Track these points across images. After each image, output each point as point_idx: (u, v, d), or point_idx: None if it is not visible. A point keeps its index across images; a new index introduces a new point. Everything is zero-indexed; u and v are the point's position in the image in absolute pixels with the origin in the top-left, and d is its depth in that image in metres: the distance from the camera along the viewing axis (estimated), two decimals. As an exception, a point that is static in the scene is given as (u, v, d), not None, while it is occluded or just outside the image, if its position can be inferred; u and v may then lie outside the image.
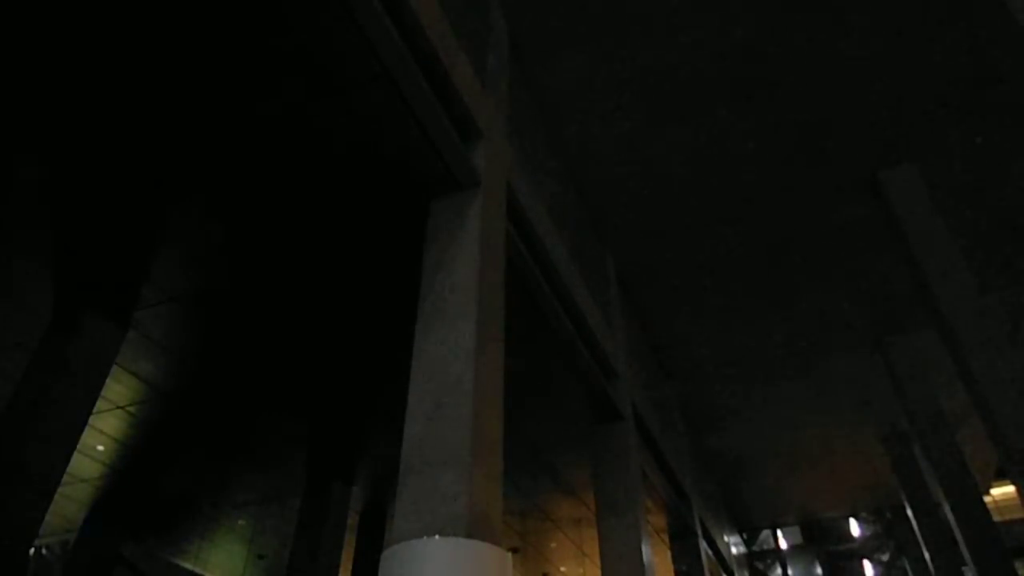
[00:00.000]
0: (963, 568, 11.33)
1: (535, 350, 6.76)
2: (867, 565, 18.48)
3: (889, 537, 17.54)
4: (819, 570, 18.98)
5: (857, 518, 18.53)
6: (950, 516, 9.69)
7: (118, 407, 8.54)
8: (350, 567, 11.36)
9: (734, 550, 16.39)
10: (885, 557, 18.01)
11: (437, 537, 3.03)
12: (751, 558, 19.13)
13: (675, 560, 10.83)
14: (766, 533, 19.36)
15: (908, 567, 16.53)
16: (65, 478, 6.54)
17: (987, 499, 17.16)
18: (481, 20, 5.90)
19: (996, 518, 12.05)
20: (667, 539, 11.07)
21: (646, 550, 6.78)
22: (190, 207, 5.72)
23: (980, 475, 14.31)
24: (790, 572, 19.07)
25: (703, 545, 11.10)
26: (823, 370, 11.83)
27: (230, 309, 6.95)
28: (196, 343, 7.46)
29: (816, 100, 7.48)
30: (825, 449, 14.36)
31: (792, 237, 9.16)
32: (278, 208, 5.62)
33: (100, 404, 8.23)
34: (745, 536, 19.10)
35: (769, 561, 19.28)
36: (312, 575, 8.46)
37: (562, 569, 14.52)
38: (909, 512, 13.53)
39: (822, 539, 19.14)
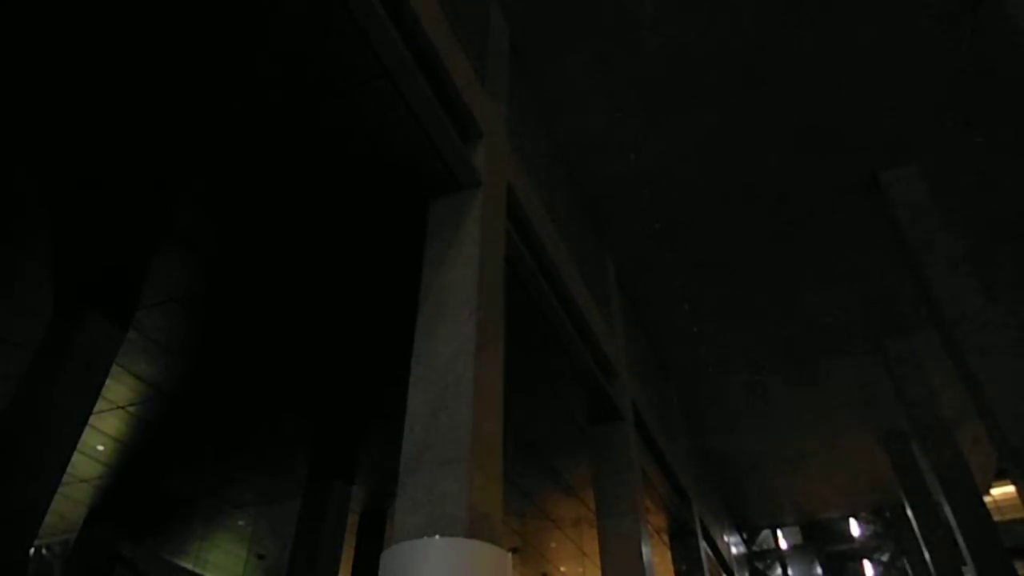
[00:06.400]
0: (963, 568, 11.33)
1: (535, 350, 6.76)
2: (867, 565, 18.48)
3: (889, 537, 17.53)
4: (819, 570, 18.97)
5: (857, 518, 18.52)
6: (950, 516, 9.69)
7: (118, 407, 8.54)
8: (350, 567, 11.35)
9: (734, 550, 16.39)
10: (885, 557, 18.01)
11: (437, 537, 3.03)
12: (751, 558, 19.12)
13: (675, 560, 10.83)
14: (766, 533, 19.35)
15: (908, 567, 16.52)
16: (65, 478, 6.53)
17: (987, 499, 17.16)
18: (481, 20, 5.90)
19: (996, 518, 12.05)
20: (667, 539, 11.07)
21: (646, 550, 6.78)
22: (190, 207, 5.72)
23: (980, 475, 14.29)
24: (790, 572, 19.06)
25: (703, 545, 11.09)
26: (823, 370, 11.83)
27: (230, 309, 6.94)
28: (196, 343, 7.46)
29: (817, 100, 7.48)
30: (825, 449, 14.35)
31: (792, 237, 9.16)
32: (278, 208, 5.62)
33: (100, 404, 8.22)
34: (745, 536, 19.09)
35: (769, 561, 19.27)
36: (312, 575, 8.46)
37: (562, 569, 14.51)
38: (909, 512, 13.53)
39: (822, 539, 19.13)
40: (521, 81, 7.04)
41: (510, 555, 3.25)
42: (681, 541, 10.87)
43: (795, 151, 8.02)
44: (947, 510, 9.78)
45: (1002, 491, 18.20)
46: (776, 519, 18.61)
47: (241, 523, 12.09)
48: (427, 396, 3.70)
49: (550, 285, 6.11)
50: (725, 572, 13.92)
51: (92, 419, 8.39)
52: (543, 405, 8.27)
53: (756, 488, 16.25)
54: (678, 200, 8.64)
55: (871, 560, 18.33)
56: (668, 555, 11.04)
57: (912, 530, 14.38)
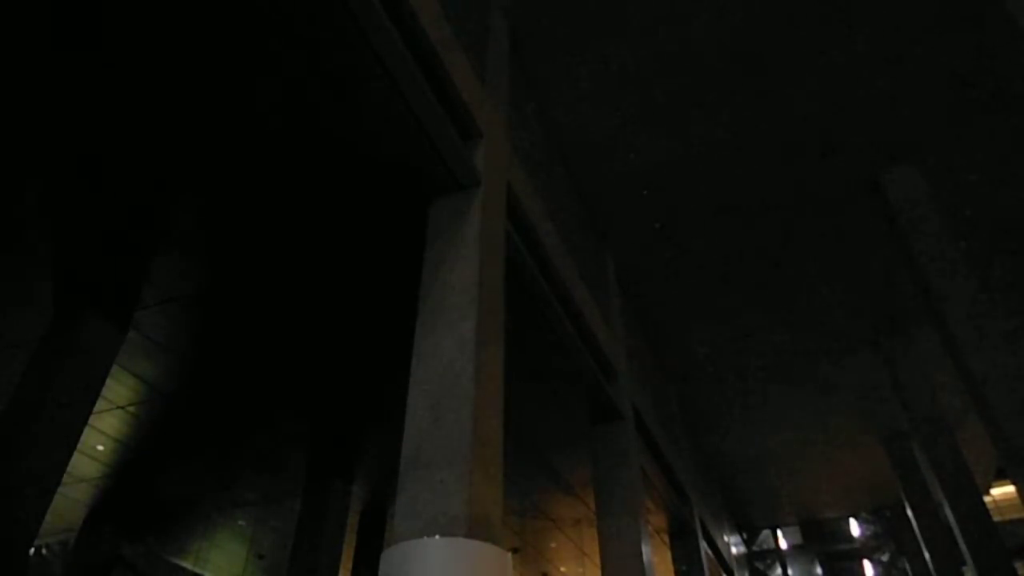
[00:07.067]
0: (963, 568, 11.33)
1: (535, 350, 6.76)
2: (867, 565, 18.47)
3: (889, 537, 17.53)
4: (819, 570, 18.97)
5: (857, 518, 18.52)
6: (950, 516, 9.69)
7: (118, 407, 8.54)
8: (350, 567, 11.35)
9: (734, 550, 16.39)
10: (885, 557, 18.01)
11: (437, 537, 3.03)
12: (751, 558, 19.12)
13: (675, 560, 10.82)
14: (766, 533, 19.35)
15: (908, 567, 16.52)
16: (65, 478, 6.53)
17: (987, 499, 17.16)
18: (481, 20, 5.90)
19: (996, 518, 12.05)
20: (667, 539, 11.06)
21: (646, 550, 6.78)
22: (190, 207, 5.72)
23: (980, 475, 14.30)
24: (790, 572, 19.06)
25: (703, 545, 11.09)
26: (823, 370, 11.83)
27: (230, 309, 6.94)
28: (196, 343, 7.46)
29: (817, 100, 7.48)
30: (825, 449, 14.35)
31: (792, 237, 9.16)
32: (278, 208, 5.62)
33: (100, 404, 8.22)
34: (745, 536, 19.09)
35: (769, 561, 19.27)
36: (312, 575, 8.45)
37: (562, 569, 14.51)
38: (909, 512, 13.52)
39: (822, 539, 19.12)
40: (521, 81, 7.04)
41: (510, 555, 3.25)
42: (681, 541, 10.86)
43: (795, 151, 8.02)
44: (947, 510, 9.77)
45: (1002, 491, 18.20)
46: (776, 519, 18.60)
47: (241, 523, 12.09)
48: (427, 396, 3.70)
49: (550, 285, 6.11)
50: (725, 572, 13.91)
51: (92, 419, 8.39)
52: (543, 405, 8.27)
53: (756, 488, 16.25)
54: (678, 200, 8.63)
55: (871, 560, 18.32)
56: (668, 555, 11.03)
57: (912, 530, 14.37)
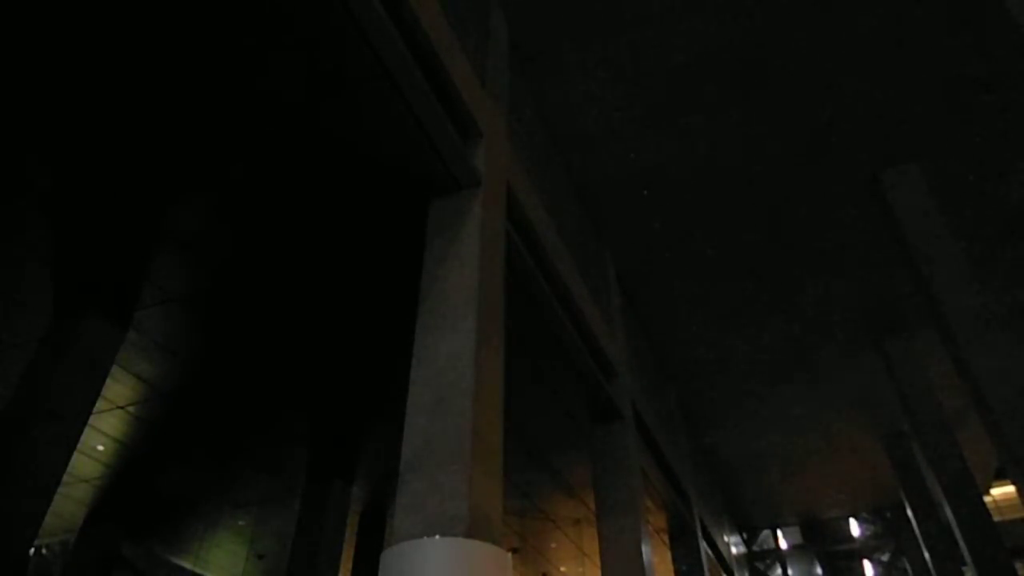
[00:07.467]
0: (963, 568, 11.33)
1: (535, 350, 6.76)
2: (867, 565, 18.46)
3: (889, 537, 17.53)
4: (819, 570, 18.95)
5: (857, 518, 18.51)
6: (950, 516, 9.68)
7: (118, 407, 8.54)
8: (350, 567, 11.35)
9: (734, 550, 16.38)
10: (885, 557, 18.00)
11: (437, 537, 3.03)
12: (751, 558, 19.11)
13: (675, 560, 10.82)
14: (766, 533, 19.33)
15: (908, 567, 16.52)
16: (65, 478, 6.53)
17: (987, 499, 17.15)
18: (481, 20, 5.90)
19: (996, 518, 12.04)
20: (667, 539, 11.06)
21: (646, 550, 6.78)
22: (190, 207, 5.72)
23: (980, 475, 14.29)
24: (790, 572, 19.05)
25: (703, 545, 11.09)
26: (823, 370, 11.83)
27: (230, 309, 6.95)
28: (196, 343, 7.47)
29: (817, 100, 7.48)
30: (825, 449, 14.35)
31: (792, 237, 9.16)
32: (278, 208, 5.62)
33: (100, 404, 8.23)
34: (745, 536, 19.08)
35: (769, 561, 19.26)
36: (312, 575, 8.45)
37: (562, 569, 14.51)
38: (909, 512, 13.52)
39: (822, 539, 19.11)
40: (521, 81, 7.04)
41: (510, 555, 3.26)
42: (681, 541, 10.86)
43: (795, 151, 8.02)
44: (947, 510, 9.77)
45: (1002, 491, 18.19)
46: (776, 519, 18.60)
47: (241, 523, 12.09)
48: (427, 396, 3.70)
49: (550, 285, 6.11)
50: (725, 572, 13.91)
51: (92, 419, 8.39)
52: (543, 405, 8.27)
53: (756, 488, 16.24)
54: (678, 200, 8.63)
55: (871, 560, 18.31)
56: (668, 555, 11.03)
57: (912, 530, 14.37)
